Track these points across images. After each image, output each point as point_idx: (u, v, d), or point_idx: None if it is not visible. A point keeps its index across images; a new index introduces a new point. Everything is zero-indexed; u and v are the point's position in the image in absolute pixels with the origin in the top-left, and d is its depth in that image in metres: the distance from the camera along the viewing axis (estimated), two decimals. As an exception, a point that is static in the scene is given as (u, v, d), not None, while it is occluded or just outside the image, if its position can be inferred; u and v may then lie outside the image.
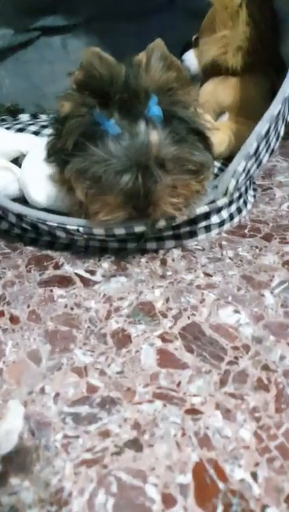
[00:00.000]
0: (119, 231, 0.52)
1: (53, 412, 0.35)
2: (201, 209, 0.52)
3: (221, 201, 0.52)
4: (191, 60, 0.76)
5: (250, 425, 0.33)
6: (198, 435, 0.33)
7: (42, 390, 0.37)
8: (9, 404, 0.36)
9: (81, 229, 0.52)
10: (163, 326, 0.44)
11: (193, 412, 0.35)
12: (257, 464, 0.31)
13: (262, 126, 0.49)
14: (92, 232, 0.52)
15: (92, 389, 0.37)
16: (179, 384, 0.37)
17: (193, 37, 0.75)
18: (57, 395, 0.37)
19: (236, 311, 0.46)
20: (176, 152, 0.47)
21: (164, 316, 0.46)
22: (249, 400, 0.35)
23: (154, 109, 0.45)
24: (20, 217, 0.55)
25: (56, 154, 0.53)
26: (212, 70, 0.70)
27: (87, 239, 0.56)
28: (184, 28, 0.80)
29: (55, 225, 0.52)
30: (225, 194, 0.51)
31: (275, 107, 0.50)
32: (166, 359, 0.40)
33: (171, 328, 0.44)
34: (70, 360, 0.40)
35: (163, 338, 0.42)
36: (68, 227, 0.52)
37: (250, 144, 0.50)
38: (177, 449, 0.32)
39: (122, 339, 0.43)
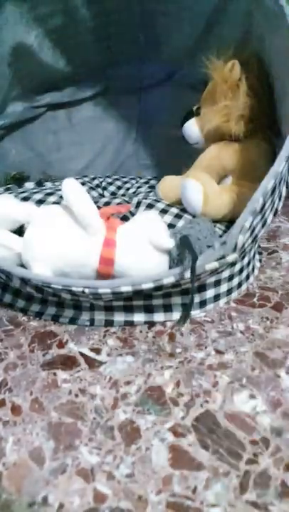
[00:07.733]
0: (126, 289, 0.50)
1: (57, 530, 0.32)
2: (210, 265, 0.50)
3: (231, 257, 0.50)
4: (192, 128, 0.78)
5: None
6: None
7: (44, 501, 0.34)
8: (8, 523, 0.32)
9: (86, 290, 0.50)
10: (174, 417, 0.41)
11: (212, 528, 0.31)
12: None
13: (267, 182, 0.49)
14: (97, 292, 0.50)
15: (100, 498, 0.34)
16: (194, 490, 0.34)
17: (194, 107, 0.78)
18: (61, 506, 0.34)
19: (252, 396, 0.43)
20: None
21: (175, 403, 0.43)
22: (274, 511, 0.32)
23: None
24: (24, 281, 0.54)
25: None
26: (215, 136, 0.72)
27: (92, 310, 0.55)
28: (183, 99, 0.84)
29: (60, 287, 0.51)
30: (234, 250, 0.49)
31: (280, 164, 0.50)
32: (179, 458, 0.37)
33: (183, 418, 0.41)
34: (75, 460, 0.37)
35: (175, 431, 0.39)
36: (74, 289, 0.51)
37: (257, 200, 0.49)
38: None
39: (131, 433, 0.40)
